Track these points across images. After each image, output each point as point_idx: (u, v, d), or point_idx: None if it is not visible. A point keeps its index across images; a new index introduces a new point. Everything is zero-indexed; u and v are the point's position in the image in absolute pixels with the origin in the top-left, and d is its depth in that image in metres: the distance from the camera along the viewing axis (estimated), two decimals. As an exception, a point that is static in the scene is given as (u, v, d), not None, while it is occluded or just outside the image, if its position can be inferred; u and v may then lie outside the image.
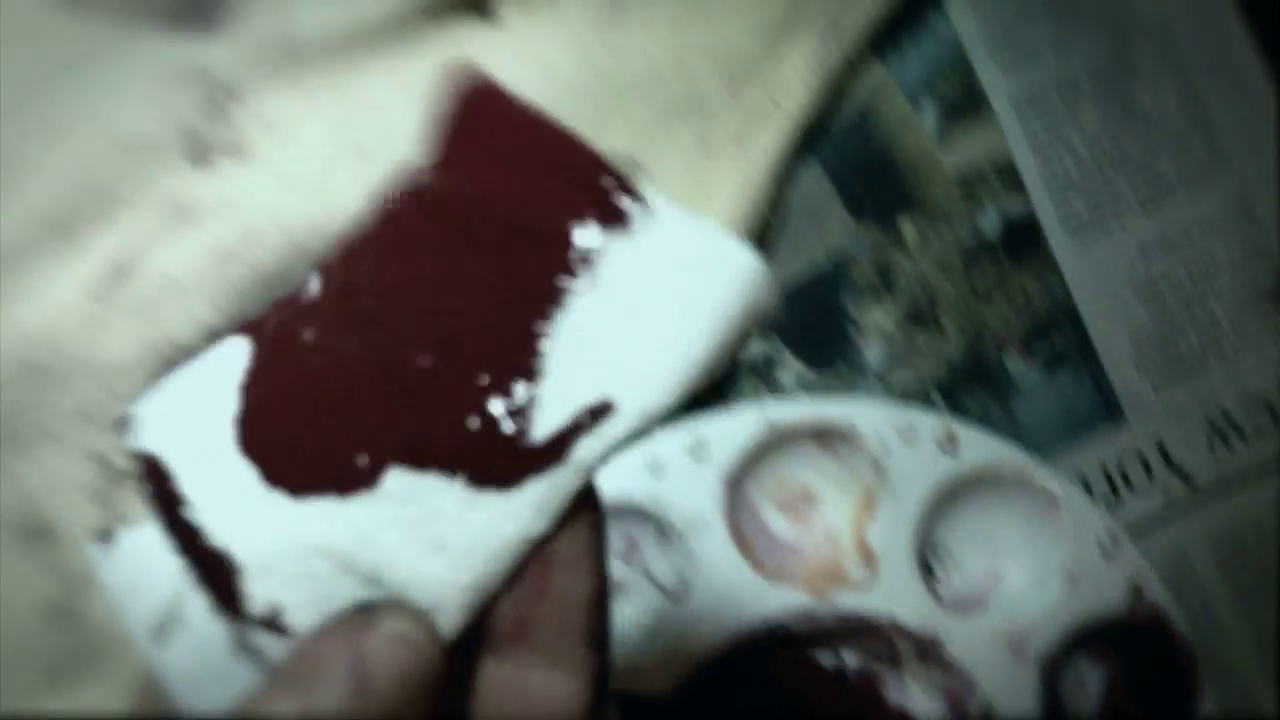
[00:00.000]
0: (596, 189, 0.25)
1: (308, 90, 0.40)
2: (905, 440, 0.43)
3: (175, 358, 0.38)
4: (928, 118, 0.46)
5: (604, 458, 0.24)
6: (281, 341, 0.25)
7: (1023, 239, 0.46)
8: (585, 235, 0.24)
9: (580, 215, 0.25)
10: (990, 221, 0.46)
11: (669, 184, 0.42)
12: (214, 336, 0.33)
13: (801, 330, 0.45)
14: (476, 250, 0.25)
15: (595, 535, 0.24)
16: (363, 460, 0.24)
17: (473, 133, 0.25)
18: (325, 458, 0.24)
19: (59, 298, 0.38)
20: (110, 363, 0.38)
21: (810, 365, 0.45)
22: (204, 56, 0.40)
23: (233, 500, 0.24)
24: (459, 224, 0.25)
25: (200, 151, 0.39)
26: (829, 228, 0.45)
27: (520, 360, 0.24)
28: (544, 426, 0.24)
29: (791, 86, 0.43)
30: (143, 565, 0.24)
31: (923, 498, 0.42)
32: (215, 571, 0.23)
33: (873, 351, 0.45)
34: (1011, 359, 0.46)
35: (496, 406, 0.24)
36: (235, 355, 0.24)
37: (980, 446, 0.43)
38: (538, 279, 0.24)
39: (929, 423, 0.43)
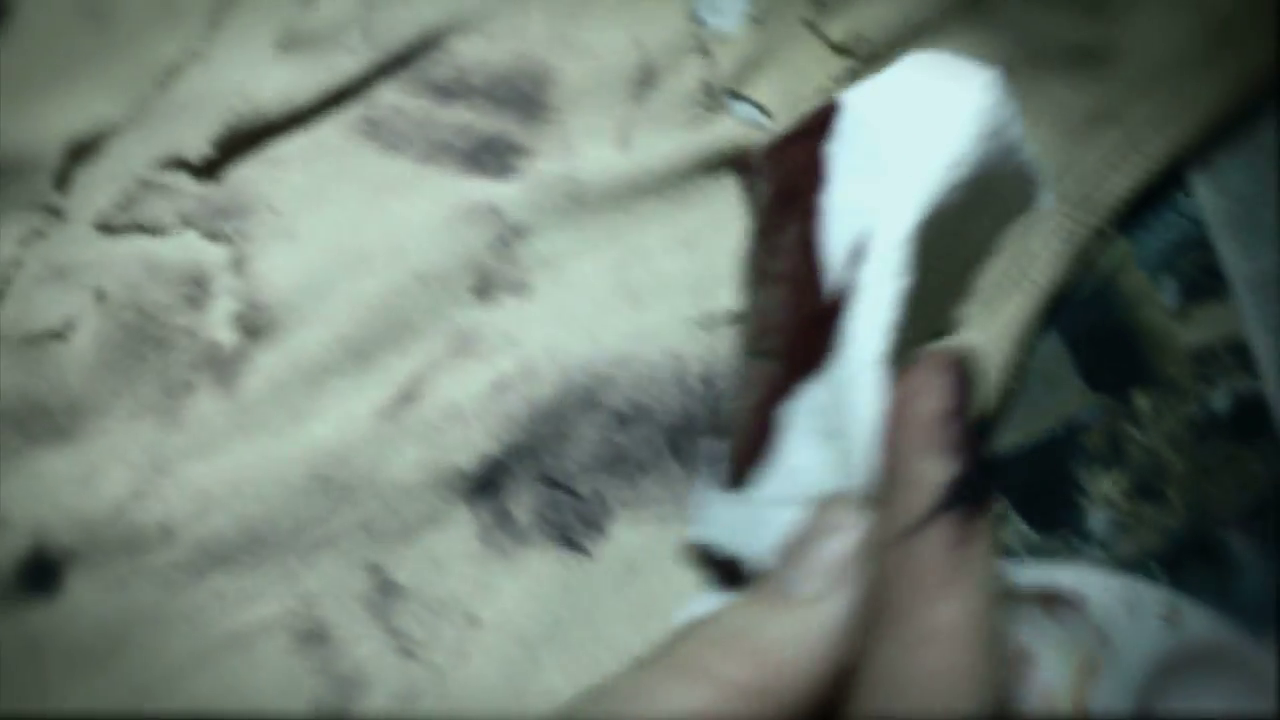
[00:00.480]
0: (822, 126, 0.33)
1: (587, 233, 0.47)
2: (1131, 612, 0.48)
3: (453, 481, 0.44)
4: (1166, 293, 0.52)
5: (883, 278, 0.30)
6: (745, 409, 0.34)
7: (1252, 419, 0.52)
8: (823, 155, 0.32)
9: (820, 146, 0.32)
10: (1221, 399, 0.51)
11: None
12: (488, 463, 0.40)
13: (1029, 493, 0.51)
14: (776, 224, 0.34)
15: (941, 368, 0.29)
16: (769, 417, 0.31)
17: (774, 169, 0.35)
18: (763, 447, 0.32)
19: (352, 417, 0.44)
20: (393, 481, 0.44)
21: (1035, 528, 0.50)
22: (496, 196, 0.46)
23: (738, 527, 0.31)
24: (770, 222, 0.34)
25: (486, 286, 0.46)
26: (1064, 395, 0.51)
27: (815, 261, 0.31)
28: (831, 285, 0.30)
29: (1041, 258, 0.49)
30: None
31: (1144, 669, 0.48)
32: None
33: (1097, 519, 0.51)
34: (1232, 537, 0.51)
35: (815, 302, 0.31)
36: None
37: (1201, 622, 0.49)
38: (809, 206, 0.32)
39: (1154, 596, 0.48)
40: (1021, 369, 0.49)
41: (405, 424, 0.44)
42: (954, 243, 0.34)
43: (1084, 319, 0.50)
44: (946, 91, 0.31)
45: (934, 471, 0.28)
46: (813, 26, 0.49)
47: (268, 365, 0.44)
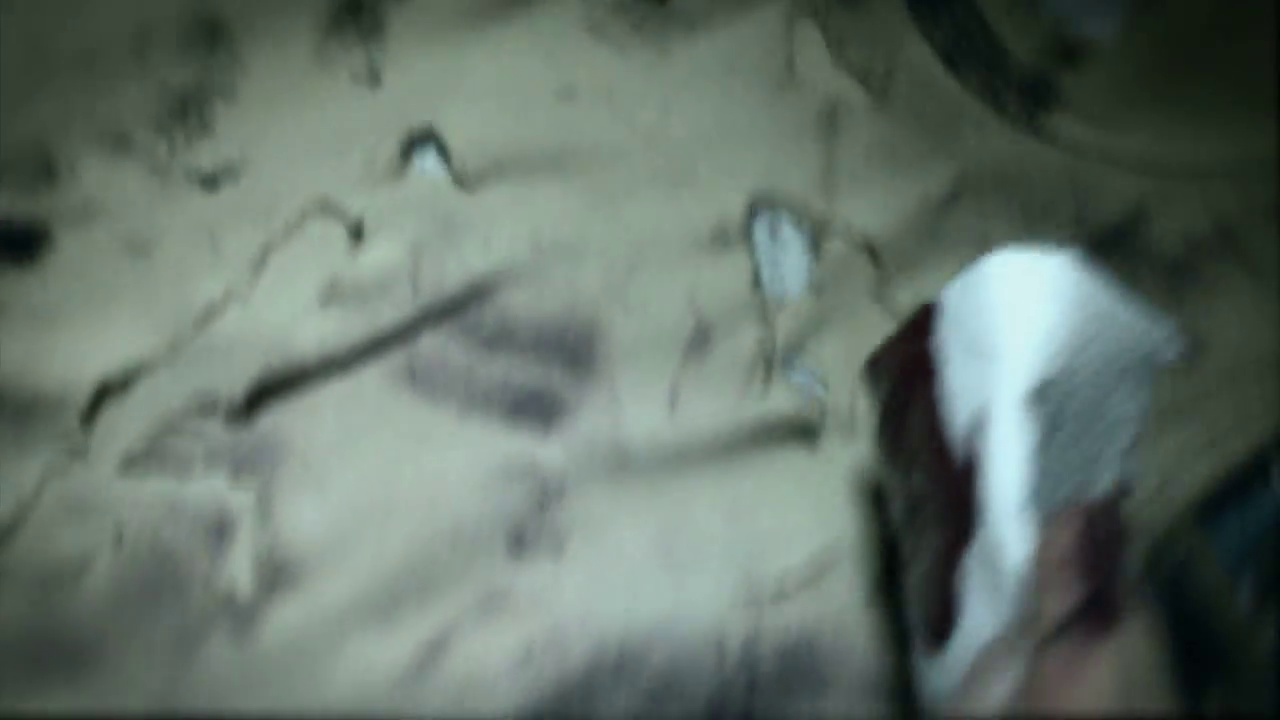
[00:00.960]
0: (926, 323, 0.39)
1: (629, 497, 0.49)
2: None
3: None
4: (1245, 590, 0.53)
5: (1007, 440, 0.35)
6: None
7: (1339, 729, 0.52)
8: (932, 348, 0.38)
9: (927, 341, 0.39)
10: (1305, 707, 0.52)
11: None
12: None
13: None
14: (900, 414, 0.40)
15: (1077, 513, 0.34)
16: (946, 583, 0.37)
17: (888, 366, 0.42)
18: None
19: (373, 673, 0.46)
20: (418, 745, 0.46)
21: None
22: (536, 453, 0.49)
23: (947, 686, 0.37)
24: (894, 413, 0.41)
25: (519, 544, 0.48)
26: (1134, 695, 0.52)
27: (944, 439, 0.37)
28: (960, 457, 0.36)
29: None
30: None
31: None
32: None
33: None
34: None
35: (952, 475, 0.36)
36: None
37: None
38: (929, 394, 0.38)
39: None
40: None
41: (427, 686, 0.45)
42: (1096, 407, 0.38)
43: (1157, 610, 0.52)
44: (1032, 274, 0.37)
45: (1056, 600, 0.31)
46: (876, 294, 0.52)
47: (285, 618, 0.46)
